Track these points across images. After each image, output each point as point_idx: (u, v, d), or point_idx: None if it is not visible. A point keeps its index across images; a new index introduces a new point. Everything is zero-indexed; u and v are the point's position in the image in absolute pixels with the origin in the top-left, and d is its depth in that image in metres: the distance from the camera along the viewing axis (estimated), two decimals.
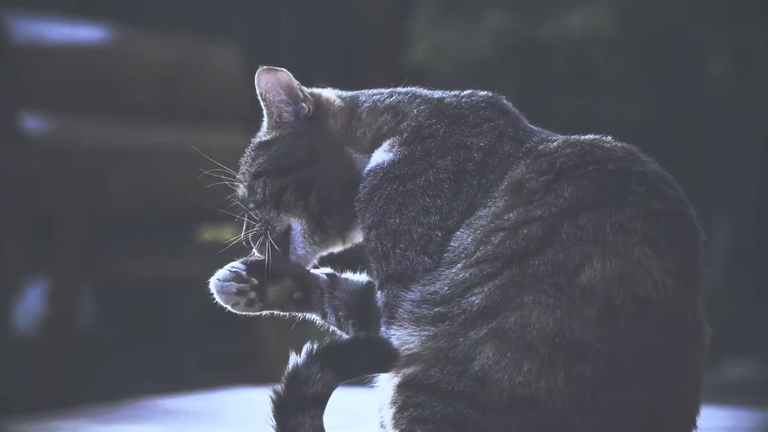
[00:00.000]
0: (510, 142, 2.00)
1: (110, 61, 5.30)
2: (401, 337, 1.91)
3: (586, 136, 1.99)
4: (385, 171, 2.03)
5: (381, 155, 2.05)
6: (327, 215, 2.09)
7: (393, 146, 2.05)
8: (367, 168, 2.06)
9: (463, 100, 2.08)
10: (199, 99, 5.47)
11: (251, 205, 2.12)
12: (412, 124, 2.05)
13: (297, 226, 2.10)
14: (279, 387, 1.95)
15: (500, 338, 1.82)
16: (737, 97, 7.35)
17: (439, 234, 1.96)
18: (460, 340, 1.85)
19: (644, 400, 1.82)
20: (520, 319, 1.82)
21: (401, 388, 1.89)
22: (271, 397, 1.95)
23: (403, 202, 1.99)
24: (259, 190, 2.11)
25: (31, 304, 4.69)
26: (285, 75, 2.11)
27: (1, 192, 4.80)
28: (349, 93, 2.17)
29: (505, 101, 2.10)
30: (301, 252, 2.10)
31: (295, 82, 2.12)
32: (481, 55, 6.91)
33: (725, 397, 4.78)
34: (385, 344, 1.92)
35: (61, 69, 5.14)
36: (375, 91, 2.16)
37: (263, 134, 2.16)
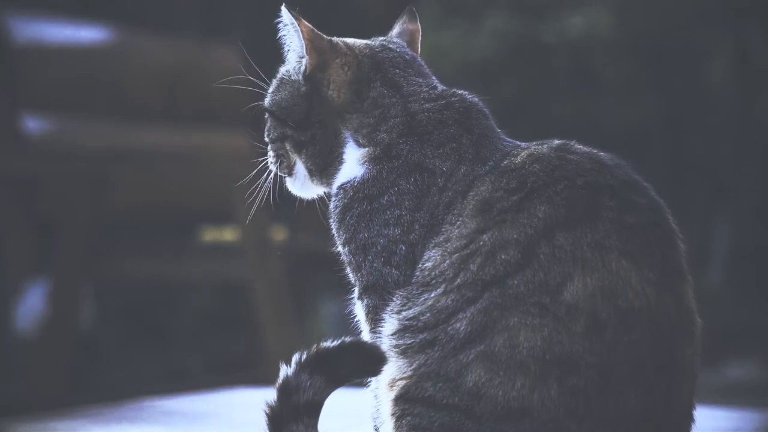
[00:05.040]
0: (466, 164, 2.00)
1: (111, 62, 5.30)
2: (390, 370, 1.93)
3: (551, 144, 1.97)
4: (355, 190, 2.04)
5: (354, 167, 2.06)
6: (316, 173, 2.12)
7: (365, 160, 2.05)
8: (340, 182, 2.07)
9: (434, 115, 2.05)
10: (201, 100, 5.47)
11: (266, 140, 2.16)
12: (386, 139, 2.04)
13: (300, 165, 2.14)
14: (271, 399, 1.97)
15: (490, 360, 1.84)
16: (739, 99, 7.35)
17: (403, 248, 1.99)
18: (450, 361, 1.87)
19: (638, 402, 1.84)
20: (509, 341, 1.84)
21: (397, 401, 1.92)
22: (264, 410, 1.97)
23: (370, 219, 2.02)
24: (268, 126, 2.16)
25: (31, 304, 4.69)
26: (304, 24, 2.09)
27: (1, 193, 4.80)
28: (374, 53, 2.11)
29: (475, 113, 2.07)
30: (305, 191, 2.16)
31: (309, 36, 2.08)
32: (482, 57, 6.92)
33: (726, 397, 4.79)
34: (373, 347, 1.94)
35: (61, 70, 5.13)
36: (395, 70, 2.10)
37: (286, 70, 2.15)
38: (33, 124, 4.84)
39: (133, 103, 5.27)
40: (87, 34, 5.29)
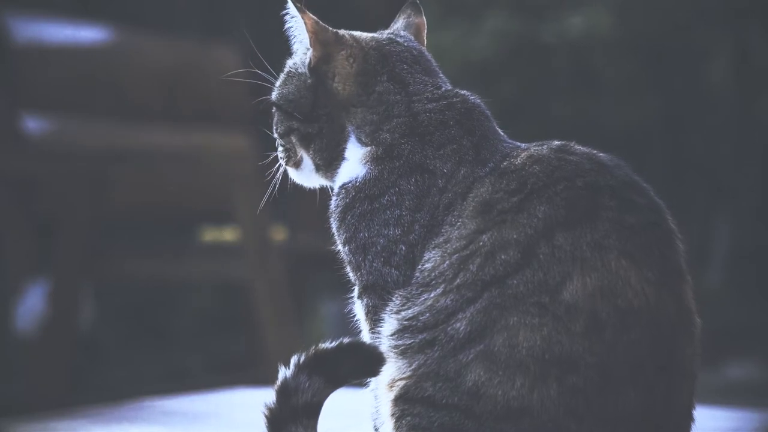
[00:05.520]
0: (467, 166, 2.00)
1: (112, 62, 5.30)
2: (390, 371, 1.93)
3: (551, 145, 1.97)
4: (357, 190, 2.04)
5: (357, 166, 2.06)
6: (322, 167, 2.13)
7: (367, 160, 2.05)
8: (341, 181, 2.07)
9: (435, 116, 2.05)
10: (201, 100, 5.47)
11: (275, 134, 2.17)
12: (388, 139, 2.04)
13: (308, 160, 2.14)
14: (270, 401, 1.97)
15: (490, 359, 1.84)
16: (739, 99, 7.35)
17: (403, 248, 1.99)
18: (450, 361, 1.87)
19: (638, 402, 1.84)
20: (508, 341, 1.84)
21: (397, 401, 1.92)
22: (263, 413, 1.97)
23: (371, 218, 2.02)
24: (276, 120, 2.16)
25: (31, 304, 4.69)
26: (308, 17, 2.09)
27: (1, 193, 4.80)
28: (380, 46, 2.11)
29: (477, 114, 2.07)
30: (308, 182, 2.17)
31: (313, 28, 2.09)
32: (482, 57, 6.92)
33: (726, 397, 4.79)
34: (371, 348, 1.94)
35: (61, 70, 5.13)
36: (403, 65, 2.10)
37: (293, 63, 2.15)
38: (33, 124, 4.84)
39: (133, 103, 5.27)
40: (87, 34, 5.29)
